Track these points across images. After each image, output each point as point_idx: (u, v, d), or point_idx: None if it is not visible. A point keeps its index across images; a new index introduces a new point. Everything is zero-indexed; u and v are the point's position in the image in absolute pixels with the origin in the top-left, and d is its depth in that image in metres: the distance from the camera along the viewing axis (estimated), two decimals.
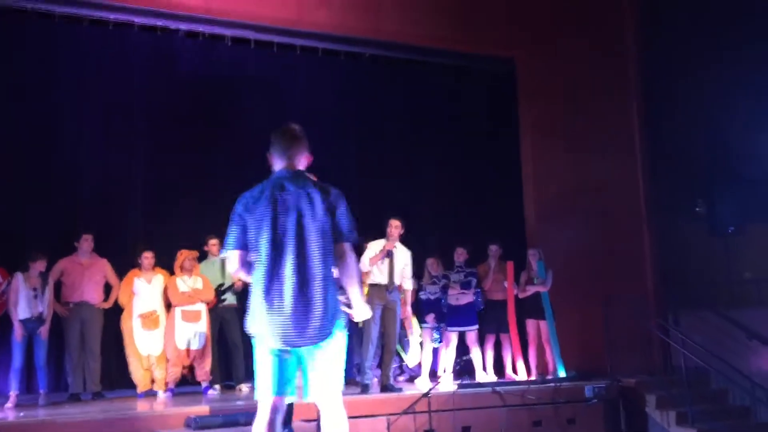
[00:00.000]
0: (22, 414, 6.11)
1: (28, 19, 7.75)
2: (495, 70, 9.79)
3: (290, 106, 8.94)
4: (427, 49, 9.36)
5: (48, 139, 7.82)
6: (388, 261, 7.01)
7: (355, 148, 9.17)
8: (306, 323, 3.16)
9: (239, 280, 6.80)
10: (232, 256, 3.29)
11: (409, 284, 7.27)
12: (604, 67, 9.74)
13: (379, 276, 7.03)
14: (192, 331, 7.22)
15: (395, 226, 7.07)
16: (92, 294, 7.18)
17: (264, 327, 3.18)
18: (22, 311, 6.68)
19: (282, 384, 3.22)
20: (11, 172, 7.52)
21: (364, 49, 9.12)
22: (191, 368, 7.41)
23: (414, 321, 7.98)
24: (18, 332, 6.67)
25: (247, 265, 3.28)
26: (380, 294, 7.00)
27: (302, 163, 3.46)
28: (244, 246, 3.27)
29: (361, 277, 5.60)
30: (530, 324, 8.09)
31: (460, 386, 7.07)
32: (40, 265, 6.81)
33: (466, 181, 9.46)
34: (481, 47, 9.53)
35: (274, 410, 3.23)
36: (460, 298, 7.77)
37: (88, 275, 7.18)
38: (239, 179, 8.21)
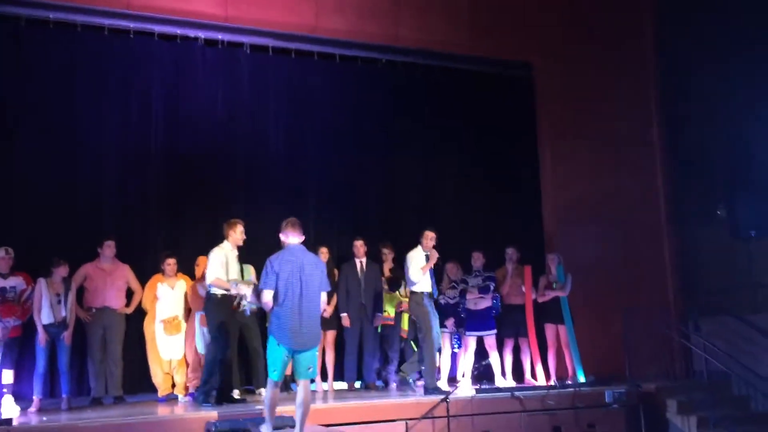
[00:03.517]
0: (45, 418, 6.18)
1: (49, 29, 7.87)
2: (513, 75, 9.80)
3: (309, 112, 9.00)
4: (444, 54, 9.40)
5: (69, 147, 7.90)
6: (430, 270, 7.33)
7: (372, 154, 9.18)
8: (306, 336, 5.20)
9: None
10: (268, 293, 5.15)
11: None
12: (622, 72, 9.72)
13: (426, 284, 7.26)
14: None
15: (430, 238, 7.32)
16: (114, 299, 7.26)
17: (286, 336, 5.13)
18: (45, 317, 6.76)
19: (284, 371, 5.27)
20: (35, 178, 7.62)
21: (382, 55, 9.17)
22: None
23: None
24: (41, 337, 6.75)
25: (275, 299, 5.15)
26: (430, 301, 7.27)
27: (302, 239, 5.39)
28: (275, 287, 5.16)
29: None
30: (549, 329, 8.06)
31: (479, 391, 7.06)
32: (62, 271, 6.90)
33: (484, 186, 9.46)
34: (499, 52, 9.55)
35: (278, 386, 5.29)
36: (478, 302, 7.76)
37: (111, 281, 7.27)
38: (258, 186, 8.50)
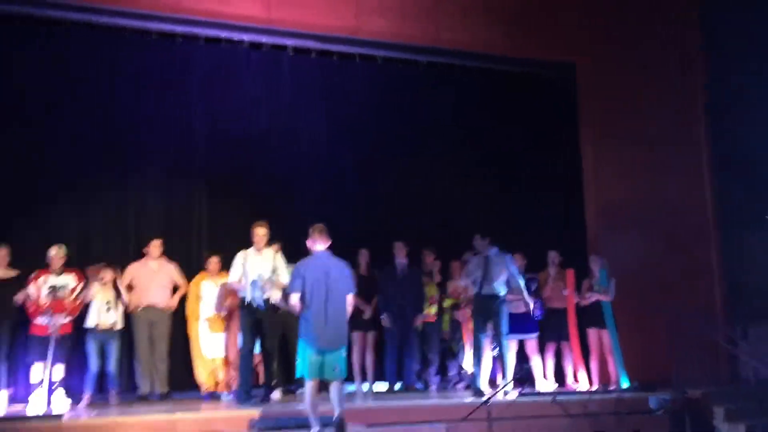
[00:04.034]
0: (94, 413, 6.33)
1: (97, 34, 8.07)
2: (554, 75, 9.70)
3: (350, 114, 9.06)
4: (485, 56, 9.35)
5: (115, 148, 8.10)
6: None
7: (413, 156, 9.19)
8: (332, 336, 5.41)
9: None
10: (294, 296, 5.44)
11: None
12: (667, 71, 9.55)
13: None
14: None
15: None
16: (161, 298, 7.41)
17: (313, 337, 5.37)
18: (92, 321, 6.98)
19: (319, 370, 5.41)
20: (82, 179, 7.82)
21: (423, 56, 9.17)
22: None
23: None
24: (91, 344, 6.97)
25: (302, 302, 5.42)
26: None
27: (327, 244, 5.60)
28: (302, 291, 5.40)
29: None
30: (592, 333, 7.96)
31: (520, 394, 7.01)
32: (111, 276, 7.09)
33: (525, 188, 9.39)
34: (540, 53, 9.46)
35: (316, 387, 5.43)
36: (519, 305, 7.70)
37: (157, 280, 7.41)
38: (299, 186, 8.58)
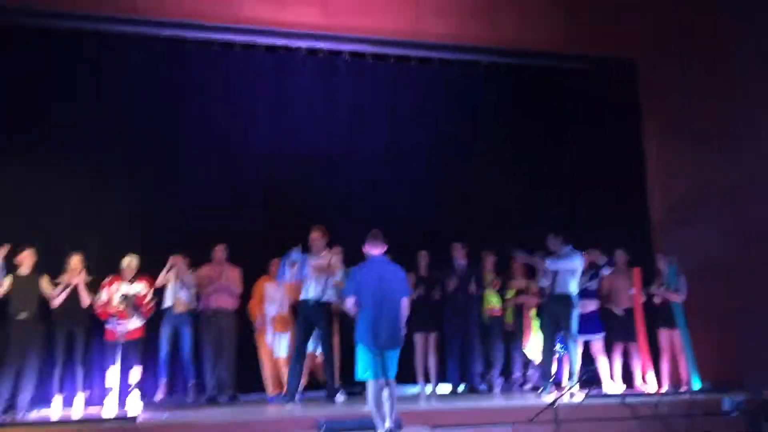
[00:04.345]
0: (165, 416, 6.50)
1: (161, 45, 8.33)
2: (615, 72, 9.55)
3: (407, 117, 9.10)
4: (545, 53, 9.27)
5: (177, 155, 8.34)
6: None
7: (471, 155, 9.16)
8: (387, 337, 5.50)
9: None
10: (349, 299, 5.58)
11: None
12: (733, 67, 9.24)
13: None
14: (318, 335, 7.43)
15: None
16: (227, 301, 7.56)
17: (368, 337, 5.49)
18: (168, 300, 7.32)
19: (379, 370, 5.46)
20: (150, 186, 8.08)
21: (481, 56, 9.15)
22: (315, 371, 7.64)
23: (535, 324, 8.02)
24: (165, 327, 7.25)
25: (358, 305, 5.55)
26: None
27: (383, 249, 5.78)
28: (358, 294, 5.56)
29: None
30: (663, 334, 7.77)
31: (588, 396, 6.89)
32: (186, 263, 7.38)
33: (587, 185, 9.23)
34: (600, 49, 9.32)
35: (381, 387, 5.46)
36: (585, 304, 7.57)
37: (224, 283, 7.57)
38: (357, 190, 8.63)
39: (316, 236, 7.08)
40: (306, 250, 7.15)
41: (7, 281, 6.86)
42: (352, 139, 8.95)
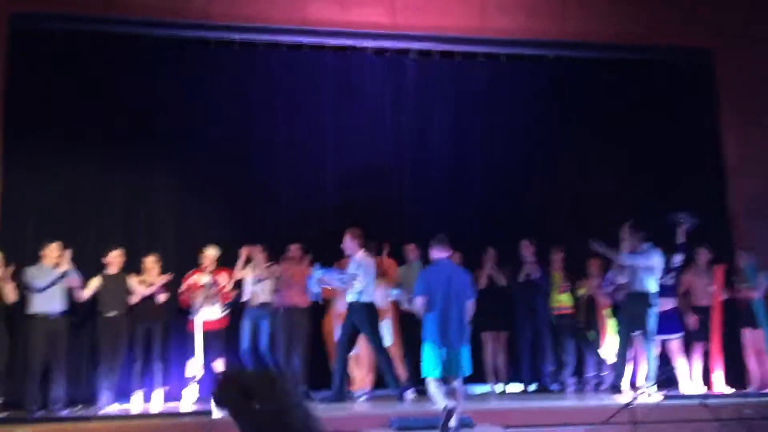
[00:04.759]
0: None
1: (231, 49, 8.49)
2: (690, 62, 9.24)
3: (474, 114, 9.03)
4: (614, 45, 9.06)
5: (246, 157, 8.47)
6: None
7: (540, 150, 9.02)
8: (454, 337, 5.71)
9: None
10: (418, 300, 5.76)
11: None
12: None
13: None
14: (386, 331, 7.45)
15: None
16: (299, 298, 7.64)
17: (436, 337, 5.70)
18: (247, 296, 7.49)
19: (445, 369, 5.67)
20: (226, 193, 8.29)
21: (548, 51, 8.98)
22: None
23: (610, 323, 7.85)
24: (245, 320, 7.41)
25: (427, 306, 5.73)
26: None
27: (448, 253, 6.03)
28: (428, 294, 5.74)
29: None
30: (746, 333, 7.47)
31: (666, 397, 6.70)
32: (265, 259, 7.54)
33: (661, 180, 8.94)
34: (674, 40, 9.03)
35: (443, 385, 5.69)
36: (662, 303, 7.34)
37: (297, 281, 7.67)
38: (424, 189, 8.62)
39: (347, 239, 7.11)
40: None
41: (97, 281, 7.11)
42: (418, 136, 8.93)
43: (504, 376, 7.94)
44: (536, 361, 7.98)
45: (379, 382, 7.61)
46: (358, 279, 6.96)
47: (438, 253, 5.93)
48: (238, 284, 7.65)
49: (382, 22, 8.50)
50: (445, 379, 5.71)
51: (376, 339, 7.03)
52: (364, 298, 7.01)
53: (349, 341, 7.07)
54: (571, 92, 9.09)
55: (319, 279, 7.14)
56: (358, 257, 7.09)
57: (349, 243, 7.12)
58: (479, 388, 7.90)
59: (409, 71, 8.96)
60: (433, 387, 5.63)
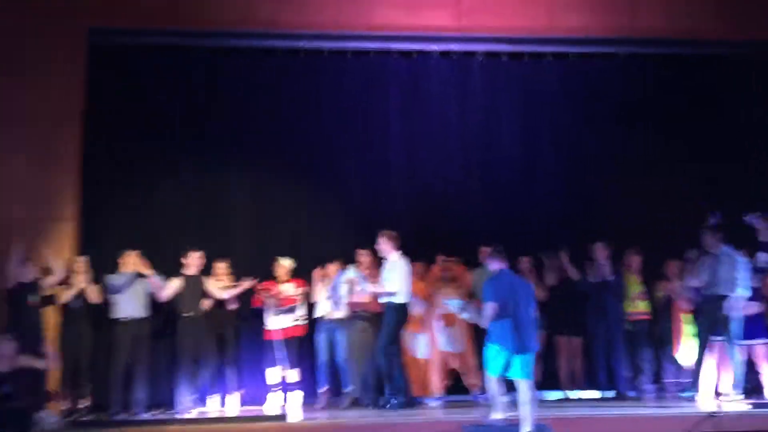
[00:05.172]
0: (316, 417, 6.71)
1: (298, 57, 8.62)
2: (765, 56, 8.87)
3: (542, 114, 8.90)
4: (687, 41, 8.78)
5: (318, 165, 8.57)
6: None
7: (611, 150, 8.80)
8: (522, 341, 5.83)
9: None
10: (489, 306, 5.85)
11: None
12: None
13: None
14: (452, 335, 7.41)
15: None
16: (373, 304, 7.61)
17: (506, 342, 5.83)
18: (319, 310, 7.51)
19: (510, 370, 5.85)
20: (297, 199, 8.42)
21: (619, 48, 8.77)
22: (460, 374, 7.60)
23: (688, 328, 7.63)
24: (320, 335, 7.45)
25: (497, 311, 5.84)
26: None
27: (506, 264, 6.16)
28: (497, 301, 5.84)
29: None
30: None
31: (754, 406, 6.43)
32: (332, 271, 7.57)
33: (744, 181, 8.60)
34: (750, 33, 8.70)
35: (500, 384, 5.92)
36: (746, 306, 7.04)
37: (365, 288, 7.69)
38: (495, 188, 8.53)
39: (382, 240, 7.12)
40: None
41: (177, 281, 7.29)
42: (485, 139, 8.86)
43: (580, 382, 7.77)
44: (612, 366, 7.77)
45: (453, 388, 7.58)
46: (389, 281, 6.98)
47: (496, 264, 6.08)
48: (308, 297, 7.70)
49: (448, 24, 8.48)
50: (510, 384, 5.81)
51: (387, 340, 6.99)
52: (398, 300, 7.00)
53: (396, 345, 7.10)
54: (641, 90, 8.85)
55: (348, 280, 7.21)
56: (393, 259, 7.09)
57: (384, 245, 7.13)
58: (553, 394, 7.76)
59: (476, 73, 8.89)
60: (494, 387, 5.87)
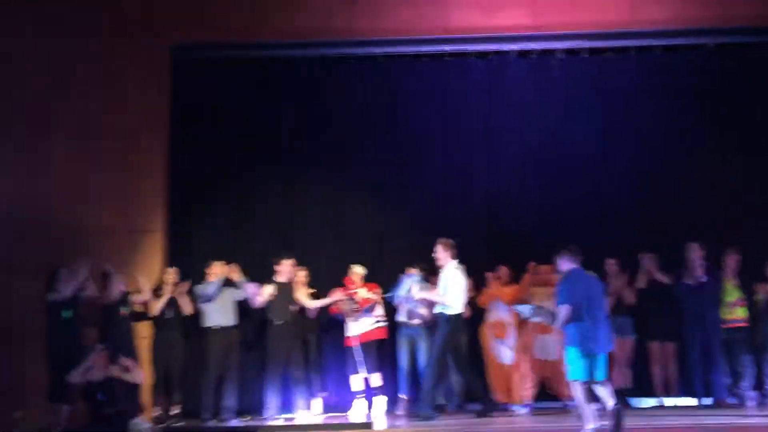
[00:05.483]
0: (399, 424, 6.67)
1: (374, 63, 8.67)
2: None
3: (625, 111, 8.60)
4: None
5: (396, 167, 8.62)
6: None
7: (698, 145, 8.39)
8: (598, 341, 5.69)
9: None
10: (566, 307, 5.69)
11: None
12: None
13: None
14: (546, 341, 7.25)
15: None
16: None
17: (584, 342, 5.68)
18: (401, 314, 7.47)
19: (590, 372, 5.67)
20: (381, 204, 8.48)
21: (710, 39, 8.36)
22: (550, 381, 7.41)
23: None
24: (401, 339, 7.43)
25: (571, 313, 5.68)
26: None
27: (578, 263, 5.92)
28: (571, 303, 5.69)
29: None
30: None
31: None
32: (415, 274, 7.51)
33: None
34: None
35: (587, 388, 5.67)
36: None
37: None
38: (575, 188, 8.29)
39: (439, 249, 7.01)
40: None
41: (271, 287, 7.37)
42: (565, 138, 8.62)
43: (674, 388, 7.46)
44: (708, 372, 7.41)
45: (540, 395, 7.42)
46: (445, 291, 6.88)
47: (567, 264, 5.91)
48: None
49: (526, 23, 8.31)
50: (589, 385, 5.66)
51: (438, 353, 6.89)
52: (451, 311, 6.88)
53: (455, 353, 7.02)
54: (738, 82, 8.41)
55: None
56: (449, 268, 6.97)
57: (441, 253, 7.01)
58: (646, 401, 7.47)
59: (555, 71, 8.69)
60: (579, 393, 5.67)
